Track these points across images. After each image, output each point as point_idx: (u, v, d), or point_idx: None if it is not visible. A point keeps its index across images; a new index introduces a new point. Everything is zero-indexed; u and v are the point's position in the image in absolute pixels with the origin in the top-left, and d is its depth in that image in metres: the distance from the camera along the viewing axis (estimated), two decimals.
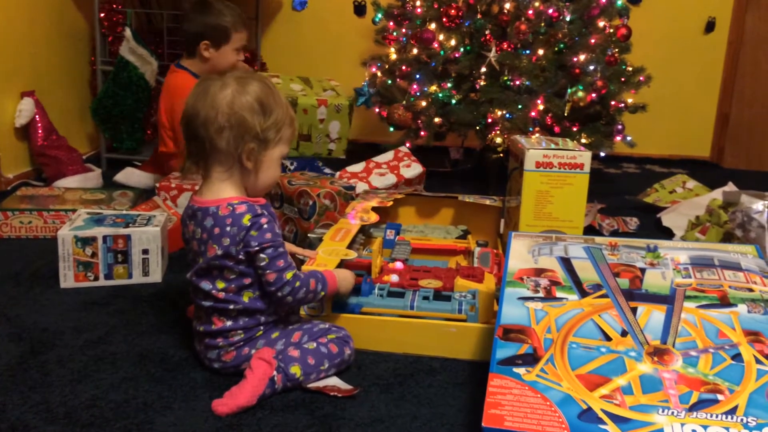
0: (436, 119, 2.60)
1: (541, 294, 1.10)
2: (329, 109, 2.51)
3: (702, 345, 0.97)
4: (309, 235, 1.77)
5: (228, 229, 1.11)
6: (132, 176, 2.56)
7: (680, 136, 3.63)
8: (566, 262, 1.18)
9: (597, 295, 1.09)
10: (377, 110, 2.85)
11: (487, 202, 1.90)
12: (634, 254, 1.19)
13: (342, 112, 2.53)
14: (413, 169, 2.32)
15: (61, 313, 1.42)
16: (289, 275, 1.14)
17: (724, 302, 1.06)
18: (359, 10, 3.56)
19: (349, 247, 1.55)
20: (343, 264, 1.38)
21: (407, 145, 2.57)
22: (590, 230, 2.21)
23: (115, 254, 1.57)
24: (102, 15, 2.73)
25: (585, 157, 1.62)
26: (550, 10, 2.46)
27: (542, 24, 2.47)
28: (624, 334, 1.00)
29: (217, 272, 1.14)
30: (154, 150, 2.74)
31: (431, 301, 1.34)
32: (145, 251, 1.60)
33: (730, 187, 2.41)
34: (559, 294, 1.10)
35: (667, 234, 2.25)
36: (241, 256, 1.12)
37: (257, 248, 1.11)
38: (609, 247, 1.22)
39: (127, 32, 2.64)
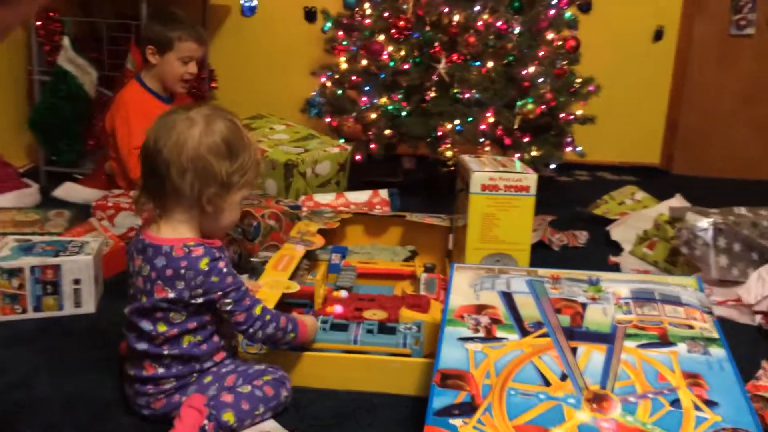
0: (387, 131, 2.56)
1: (481, 334, 1.07)
2: (265, 162, 2.15)
3: (641, 389, 0.95)
4: (252, 259, 1.72)
5: (183, 272, 1.05)
6: (72, 191, 2.46)
7: (631, 144, 3.67)
8: (508, 298, 1.16)
9: (538, 334, 1.07)
10: (328, 120, 2.81)
11: (435, 221, 1.88)
12: (576, 288, 1.18)
13: (277, 170, 2.14)
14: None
15: None
16: (257, 310, 1.11)
17: (664, 341, 1.04)
18: (310, 17, 3.52)
19: (294, 271, 1.51)
20: (284, 297, 1.34)
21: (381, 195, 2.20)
22: (540, 245, 2.21)
23: (44, 285, 1.50)
24: (38, 23, 2.62)
25: (531, 179, 1.61)
26: (499, 23, 2.45)
27: (491, 36, 2.45)
28: (564, 377, 0.98)
29: (162, 314, 1.08)
30: (95, 163, 2.65)
31: (375, 335, 1.31)
32: (77, 281, 1.52)
33: (678, 199, 2.44)
34: (499, 333, 1.08)
35: (616, 248, 2.26)
36: (195, 302, 1.06)
37: (221, 294, 1.07)
38: (551, 280, 1.20)
39: (65, 41, 2.54)
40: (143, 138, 2.30)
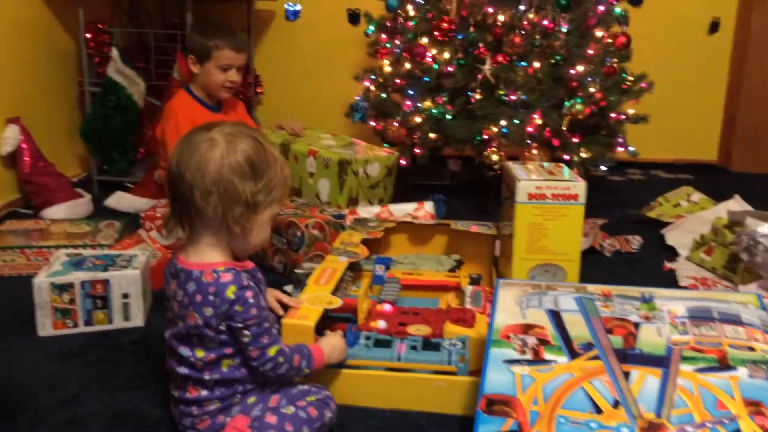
0: (431, 135, 2.53)
1: (528, 356, 1.04)
2: (318, 161, 2.19)
3: (699, 418, 0.90)
4: (296, 270, 1.71)
5: (211, 298, 1.05)
6: (123, 201, 2.51)
7: (686, 140, 3.54)
8: (556, 316, 1.12)
9: (588, 356, 1.03)
10: (372, 124, 2.79)
11: (481, 229, 1.84)
12: (628, 306, 1.13)
13: (331, 168, 2.16)
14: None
15: (36, 367, 1.38)
16: (272, 351, 1.08)
17: (724, 364, 0.99)
18: (353, 19, 3.49)
19: (338, 284, 1.50)
20: (326, 313, 1.32)
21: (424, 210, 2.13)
22: (591, 251, 2.14)
23: (94, 300, 1.52)
24: (88, 35, 2.68)
25: (579, 187, 1.55)
26: (546, 21, 2.38)
27: (537, 36, 2.39)
28: (616, 405, 0.94)
29: (197, 339, 1.08)
30: (145, 172, 2.69)
31: (420, 351, 1.28)
32: (126, 295, 1.54)
33: (737, 201, 2.34)
34: (547, 356, 1.04)
35: (672, 253, 2.18)
36: (222, 327, 1.06)
37: (241, 325, 1.05)
38: (602, 297, 1.16)
39: (114, 52, 2.59)
40: None
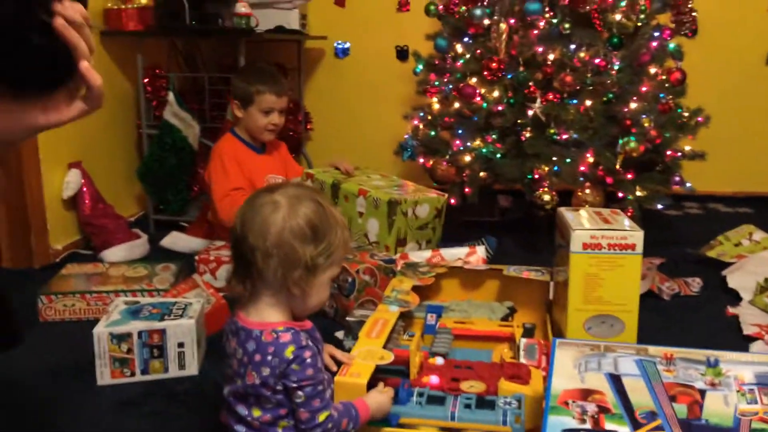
0: (482, 173, 2.51)
1: (588, 425, 1.01)
2: (368, 201, 2.17)
3: None
4: (348, 318, 1.72)
5: (269, 358, 1.06)
6: (178, 241, 2.56)
7: (745, 173, 3.43)
8: (616, 381, 1.08)
9: (651, 426, 0.99)
10: (421, 161, 2.79)
11: (533, 275, 1.81)
12: (693, 370, 1.09)
13: (380, 209, 2.14)
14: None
15: (95, 419, 1.41)
16: (322, 417, 1.08)
17: None
18: (402, 55, 3.54)
19: (389, 334, 1.49)
20: (377, 369, 1.31)
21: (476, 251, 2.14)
22: (649, 294, 2.08)
23: (151, 349, 1.55)
24: (146, 80, 2.77)
25: (636, 236, 1.51)
26: (597, 60, 2.35)
27: (589, 74, 2.36)
28: None
29: (254, 399, 1.09)
30: (199, 211, 2.75)
31: (473, 410, 1.26)
32: (181, 344, 1.57)
33: None
34: (608, 425, 1.00)
35: (734, 296, 2.10)
36: (278, 387, 1.07)
37: (296, 385, 1.06)
38: (664, 360, 1.12)
39: (170, 96, 2.66)
40: (240, 182, 2.35)
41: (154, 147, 2.72)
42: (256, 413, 1.09)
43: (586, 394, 1.07)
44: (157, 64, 2.87)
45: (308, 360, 1.06)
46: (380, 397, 1.23)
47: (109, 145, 2.78)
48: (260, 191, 1.14)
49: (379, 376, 1.36)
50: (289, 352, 1.05)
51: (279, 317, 1.11)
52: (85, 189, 2.48)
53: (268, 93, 2.34)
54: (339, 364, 1.31)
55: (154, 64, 2.84)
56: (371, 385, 1.30)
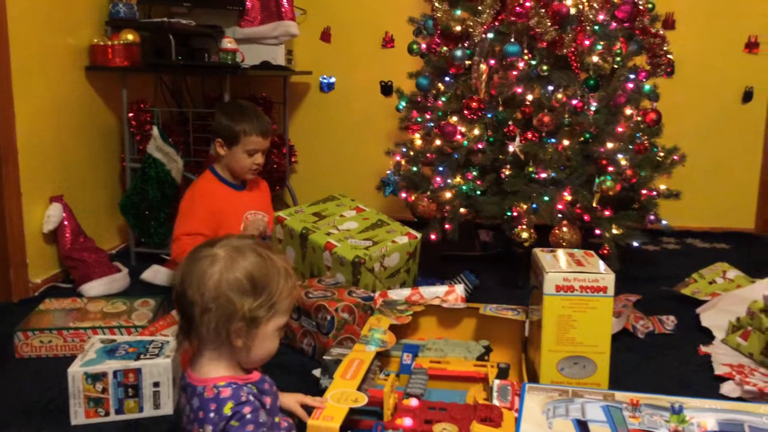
0: (462, 210, 2.54)
1: None
2: (333, 258, 2.14)
3: None
4: (324, 357, 1.72)
5: (211, 415, 1.06)
6: (158, 274, 2.57)
7: (722, 209, 3.49)
8: (583, 427, 1.10)
9: None
10: (404, 195, 2.82)
11: (510, 314, 1.83)
12: (657, 417, 1.11)
13: (346, 267, 2.10)
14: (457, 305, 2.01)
15: None
16: None
17: None
18: (386, 90, 3.60)
19: (365, 374, 1.50)
20: (351, 412, 1.32)
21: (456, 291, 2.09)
22: (624, 333, 2.11)
23: (126, 388, 1.55)
24: (130, 114, 2.79)
25: (608, 279, 1.55)
26: (574, 101, 2.41)
27: (566, 115, 2.41)
28: None
29: None
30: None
31: None
32: (156, 384, 1.57)
33: None
34: None
35: (707, 334, 2.13)
36: None
37: None
38: (630, 406, 1.14)
39: (154, 131, 2.69)
40: (201, 227, 2.33)
41: (138, 180, 2.73)
42: None
43: None
44: (143, 98, 2.90)
45: (248, 416, 1.06)
46: None
47: (93, 179, 2.79)
48: (202, 245, 1.14)
49: (353, 417, 1.37)
50: (227, 409, 1.06)
51: (223, 371, 1.11)
52: (66, 222, 2.48)
53: (254, 135, 2.33)
54: (311, 410, 1.32)
55: (139, 99, 2.87)
56: (345, 428, 1.31)
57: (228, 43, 2.87)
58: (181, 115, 3.16)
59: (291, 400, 1.34)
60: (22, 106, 2.35)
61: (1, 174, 2.28)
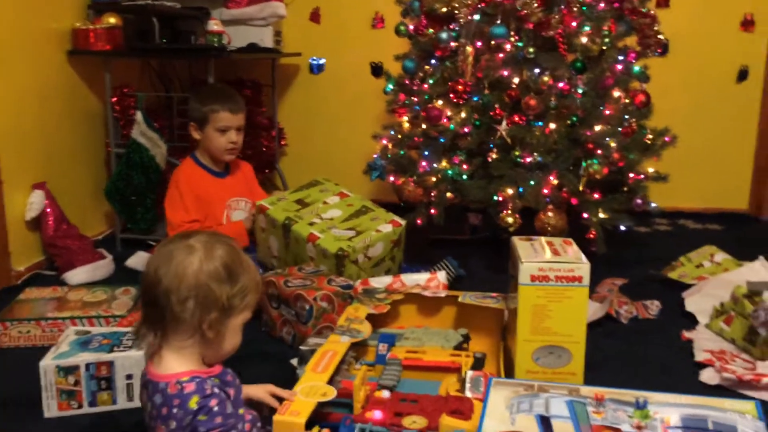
0: (448, 194, 2.52)
1: None
2: (317, 249, 2.12)
3: None
4: (300, 347, 1.71)
5: (175, 411, 1.06)
6: (143, 261, 2.56)
7: (716, 189, 3.46)
8: (545, 423, 1.09)
9: None
10: (391, 179, 2.79)
11: (490, 303, 1.81)
12: (621, 412, 1.10)
13: (329, 259, 2.08)
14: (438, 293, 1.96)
15: None
16: None
17: None
18: (376, 72, 3.55)
19: (339, 365, 1.50)
20: (319, 407, 1.31)
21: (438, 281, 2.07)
22: (608, 317, 2.10)
23: (99, 381, 1.55)
24: (114, 99, 2.76)
25: (583, 269, 1.53)
26: (561, 84, 2.37)
27: (553, 98, 2.38)
28: None
29: None
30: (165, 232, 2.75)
31: None
32: (129, 376, 1.57)
33: (762, 263, 2.26)
34: None
35: (691, 320, 2.11)
36: None
37: None
38: (594, 402, 1.13)
39: (138, 116, 2.66)
40: (195, 213, 2.35)
41: (122, 166, 2.71)
42: None
43: None
44: (127, 82, 2.87)
45: (215, 408, 1.06)
46: None
47: (77, 164, 2.77)
48: (174, 237, 1.15)
49: (323, 410, 1.37)
50: (193, 403, 1.05)
51: (186, 365, 1.11)
52: (48, 210, 2.47)
53: (221, 111, 2.35)
54: (282, 400, 1.32)
55: (124, 83, 2.84)
56: (315, 421, 1.30)
57: (214, 25, 2.83)
58: (167, 100, 3.13)
59: (261, 391, 1.34)
60: (3, 92, 2.32)
61: None
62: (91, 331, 1.68)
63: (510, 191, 2.37)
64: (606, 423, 1.08)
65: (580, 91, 2.39)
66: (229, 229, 2.38)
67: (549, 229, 2.32)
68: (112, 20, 2.71)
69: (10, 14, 2.35)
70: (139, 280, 2.21)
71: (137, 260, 2.56)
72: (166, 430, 1.06)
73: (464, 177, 2.51)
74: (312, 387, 1.36)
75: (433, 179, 2.52)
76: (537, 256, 1.57)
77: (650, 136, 2.61)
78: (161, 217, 2.91)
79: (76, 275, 2.37)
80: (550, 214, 2.34)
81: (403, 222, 2.28)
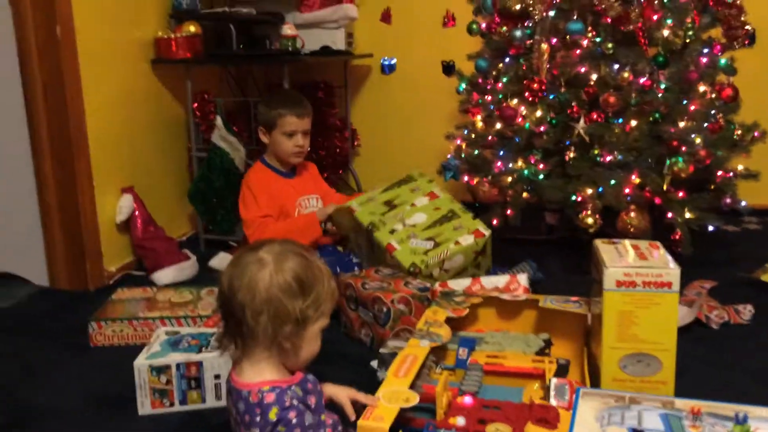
0: (524, 194, 2.48)
1: None
2: (393, 261, 2.13)
3: None
4: (381, 350, 1.73)
5: (257, 419, 1.09)
6: (225, 262, 2.61)
7: None
8: None
9: None
10: (466, 179, 2.77)
11: (571, 307, 1.78)
12: (719, 427, 1.05)
13: (403, 270, 2.09)
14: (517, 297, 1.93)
15: None
16: None
17: None
18: (447, 70, 3.51)
19: (420, 369, 1.50)
20: (402, 412, 1.32)
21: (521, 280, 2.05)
22: (697, 323, 2.02)
23: (189, 380, 1.61)
24: (195, 105, 2.85)
25: (673, 274, 1.48)
26: (642, 79, 2.29)
27: (633, 94, 2.30)
28: None
29: None
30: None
31: None
32: (217, 376, 1.62)
33: None
34: None
35: None
36: None
37: None
38: (690, 415, 1.09)
39: (218, 121, 2.74)
40: (269, 209, 2.40)
41: (204, 169, 2.80)
42: None
43: None
44: (207, 88, 2.96)
45: (294, 421, 1.07)
46: None
47: (161, 168, 2.88)
48: (245, 249, 1.17)
49: (406, 415, 1.37)
50: (273, 414, 1.07)
51: (268, 375, 1.13)
52: (137, 213, 2.58)
53: (288, 115, 2.40)
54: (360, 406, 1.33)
55: (203, 89, 2.92)
56: (398, 426, 1.31)
57: (288, 30, 2.88)
58: (244, 104, 3.21)
59: (342, 394, 1.35)
60: (93, 101, 2.44)
61: (74, 167, 2.38)
62: (180, 332, 1.74)
63: (589, 191, 2.32)
64: None
65: (662, 86, 2.30)
66: (301, 220, 2.43)
67: (631, 230, 2.25)
68: (192, 28, 2.80)
69: (99, 26, 2.47)
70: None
71: (219, 261, 2.63)
72: None
73: (540, 177, 2.47)
74: (394, 392, 1.36)
75: (509, 179, 2.49)
76: (622, 261, 1.53)
77: (739, 132, 2.49)
78: (240, 218, 2.99)
79: (164, 275, 2.47)
80: (632, 214, 2.27)
81: (487, 232, 2.21)
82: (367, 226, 2.21)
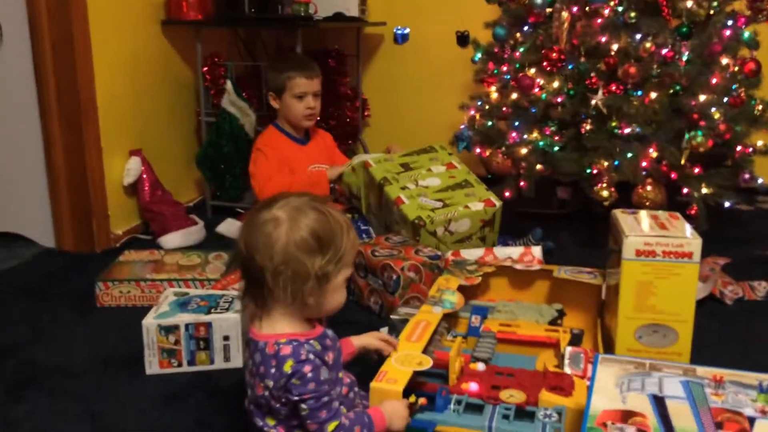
0: (538, 166, 2.44)
1: None
2: (399, 214, 2.12)
3: None
4: (391, 316, 1.70)
5: (272, 371, 1.06)
6: (232, 227, 2.60)
7: None
8: (660, 403, 1.03)
9: None
10: (478, 151, 2.73)
11: (585, 278, 1.75)
12: (742, 395, 1.03)
13: (407, 224, 2.08)
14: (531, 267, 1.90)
15: (140, 412, 1.45)
16: (331, 427, 1.07)
17: None
18: (462, 41, 3.44)
19: (432, 335, 1.47)
20: (414, 376, 1.30)
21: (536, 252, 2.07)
22: (711, 298, 1.99)
23: (197, 341, 1.59)
24: (205, 69, 2.81)
25: (694, 245, 1.44)
26: (664, 50, 2.24)
27: (655, 65, 2.25)
28: None
29: (267, 409, 1.10)
30: (254, 198, 2.79)
31: (512, 422, 1.23)
32: (226, 337, 1.60)
33: None
34: None
35: None
36: (283, 401, 1.07)
37: (297, 398, 1.06)
38: (713, 383, 1.06)
39: (228, 85, 2.69)
40: (281, 167, 2.37)
41: (212, 134, 2.76)
42: (271, 422, 1.11)
43: (626, 416, 1.02)
44: (218, 52, 2.91)
45: (309, 375, 1.05)
46: (395, 404, 1.20)
47: (169, 133, 2.84)
48: (259, 207, 1.12)
49: (418, 380, 1.35)
50: (288, 367, 1.05)
51: (287, 328, 1.11)
52: (144, 176, 2.55)
53: (298, 77, 2.38)
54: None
55: (214, 53, 2.87)
56: (410, 390, 1.29)
57: None
58: (255, 69, 3.16)
59: (370, 338, 1.35)
60: (101, 62, 2.39)
61: (83, 129, 2.35)
62: (189, 293, 1.72)
63: (605, 164, 2.28)
64: (726, 406, 1.01)
65: (684, 58, 2.25)
66: (313, 176, 2.41)
67: (647, 203, 2.22)
68: None
69: None
70: (231, 248, 2.28)
71: (227, 227, 2.61)
72: (264, 387, 1.08)
73: (556, 149, 2.42)
74: (407, 356, 1.34)
75: (523, 151, 2.45)
76: (641, 230, 1.49)
77: (760, 107, 2.44)
78: (249, 185, 2.96)
79: (171, 240, 2.44)
80: (648, 188, 2.24)
81: (498, 202, 2.20)
82: (379, 181, 2.19)
